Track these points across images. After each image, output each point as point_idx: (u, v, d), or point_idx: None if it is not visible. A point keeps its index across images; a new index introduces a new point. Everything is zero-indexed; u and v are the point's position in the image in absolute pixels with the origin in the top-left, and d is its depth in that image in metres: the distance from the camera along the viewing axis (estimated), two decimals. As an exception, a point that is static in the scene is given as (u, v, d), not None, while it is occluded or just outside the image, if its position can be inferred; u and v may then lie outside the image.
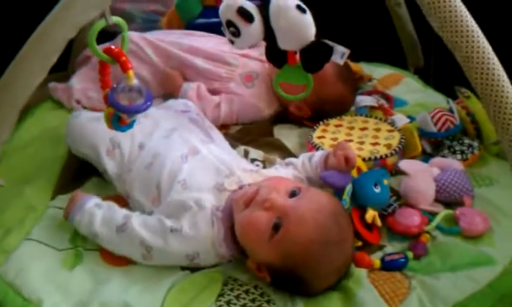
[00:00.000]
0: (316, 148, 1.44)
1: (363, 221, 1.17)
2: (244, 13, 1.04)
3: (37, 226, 1.21)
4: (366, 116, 1.59)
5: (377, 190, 1.20)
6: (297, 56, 1.08)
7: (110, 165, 1.29)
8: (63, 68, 1.79)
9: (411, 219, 1.20)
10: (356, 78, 1.78)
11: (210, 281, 1.08)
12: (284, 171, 1.24)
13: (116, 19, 0.97)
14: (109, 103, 1.01)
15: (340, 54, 1.32)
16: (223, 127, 1.57)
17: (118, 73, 1.00)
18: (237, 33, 1.07)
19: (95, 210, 1.17)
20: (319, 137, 1.50)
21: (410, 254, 1.12)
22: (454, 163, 1.35)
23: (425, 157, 1.43)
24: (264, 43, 1.11)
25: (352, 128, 1.54)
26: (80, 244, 1.17)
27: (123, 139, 1.29)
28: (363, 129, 1.53)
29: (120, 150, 1.29)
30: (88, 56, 1.72)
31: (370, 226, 1.18)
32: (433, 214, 1.22)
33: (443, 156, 1.40)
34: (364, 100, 1.66)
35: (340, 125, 1.56)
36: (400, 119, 1.56)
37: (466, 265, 1.10)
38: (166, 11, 1.92)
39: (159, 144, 1.28)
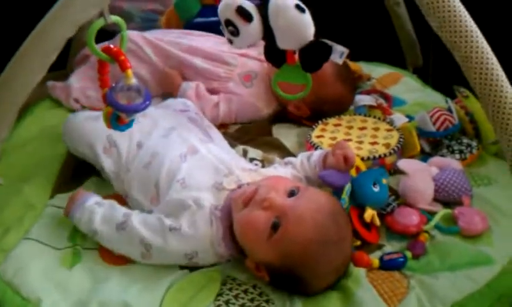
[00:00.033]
0: (315, 147, 1.44)
1: (361, 220, 1.17)
2: (243, 13, 1.04)
3: (36, 225, 1.21)
4: (365, 116, 1.59)
5: (376, 189, 1.20)
6: (296, 56, 1.08)
7: (107, 163, 1.29)
8: (62, 66, 1.79)
9: (409, 218, 1.20)
10: (355, 77, 1.79)
11: (209, 280, 1.08)
12: (283, 171, 1.24)
13: (115, 18, 0.97)
14: (108, 103, 1.01)
15: (339, 53, 1.32)
16: (221, 126, 1.57)
17: (117, 72, 1.00)
18: (236, 32, 1.07)
19: (96, 208, 1.17)
20: (318, 137, 1.50)
21: (409, 254, 1.12)
22: (452, 162, 1.35)
23: (424, 156, 1.43)
24: (262, 43, 1.11)
25: (351, 127, 1.54)
26: (79, 242, 1.17)
27: (120, 138, 1.29)
28: (362, 128, 1.53)
29: (117, 149, 1.29)
30: (86, 55, 1.72)
31: (368, 226, 1.18)
32: (432, 213, 1.23)
33: (442, 155, 1.40)
34: (363, 100, 1.67)
35: (339, 124, 1.56)
36: (399, 118, 1.56)
37: (465, 264, 1.10)
38: (165, 10, 1.92)
39: (158, 144, 1.28)
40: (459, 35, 0.88)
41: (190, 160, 1.21)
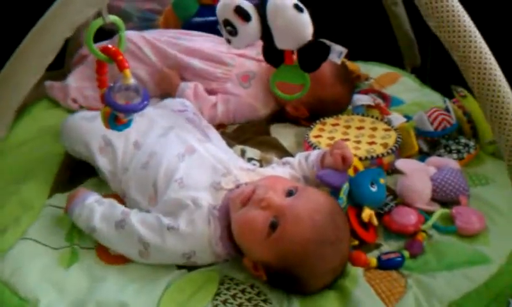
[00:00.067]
0: (313, 147, 1.44)
1: (359, 220, 1.17)
2: (241, 12, 1.04)
3: (33, 225, 1.21)
4: (363, 115, 1.59)
5: (374, 189, 1.20)
6: (295, 56, 1.08)
7: (102, 163, 1.30)
8: (59, 66, 1.79)
9: (407, 217, 1.20)
10: (354, 77, 1.79)
11: (207, 280, 1.08)
12: (281, 170, 1.24)
13: (113, 18, 0.97)
14: (106, 103, 1.01)
15: (337, 53, 1.32)
16: (219, 126, 1.58)
17: (115, 72, 1.00)
18: (234, 32, 1.06)
19: (96, 206, 1.17)
20: (316, 136, 1.50)
21: (406, 253, 1.12)
22: (450, 162, 1.35)
23: (422, 156, 1.43)
24: (260, 43, 1.11)
25: (349, 127, 1.54)
26: (77, 242, 1.17)
27: (116, 137, 1.29)
28: (359, 128, 1.53)
29: (112, 148, 1.29)
30: (83, 55, 1.72)
31: (366, 225, 1.18)
32: (429, 213, 1.23)
33: (440, 155, 1.41)
34: (361, 99, 1.67)
35: (337, 124, 1.56)
36: (397, 118, 1.56)
37: (462, 263, 1.10)
38: (163, 9, 1.92)
39: (156, 143, 1.28)
40: (457, 35, 0.88)
41: (188, 160, 1.21)
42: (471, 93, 0.99)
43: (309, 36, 1.03)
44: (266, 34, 1.05)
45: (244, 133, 1.56)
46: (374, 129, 1.51)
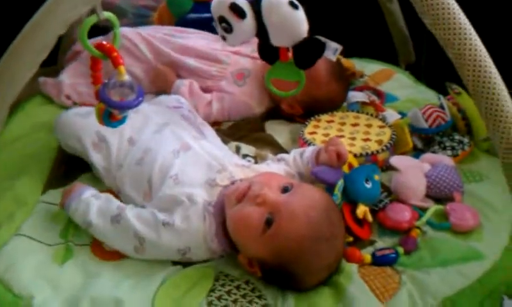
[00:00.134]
0: (307, 143, 1.44)
1: (354, 216, 1.18)
2: (236, 9, 1.04)
3: (27, 221, 1.20)
4: (357, 112, 1.59)
5: (368, 185, 1.20)
6: (290, 53, 1.08)
7: (96, 158, 1.30)
8: (53, 62, 1.78)
9: (401, 214, 1.20)
10: (349, 75, 1.79)
11: (202, 276, 1.08)
12: (276, 167, 1.24)
13: (107, 15, 0.97)
14: (101, 99, 1.00)
15: (332, 50, 1.32)
16: (214, 123, 1.57)
17: (110, 68, 1.00)
18: (229, 29, 1.06)
19: (92, 200, 1.17)
20: (311, 133, 1.50)
21: (401, 250, 1.13)
22: (444, 159, 1.36)
23: (416, 152, 1.43)
24: (256, 40, 1.11)
25: (343, 124, 1.54)
26: (71, 238, 1.17)
27: (110, 133, 1.29)
28: (354, 125, 1.53)
29: (107, 144, 1.29)
30: (77, 51, 1.71)
31: (361, 222, 1.19)
32: (424, 210, 1.23)
33: (434, 152, 1.41)
34: (356, 96, 1.67)
35: (332, 121, 1.56)
36: (392, 115, 1.57)
37: (456, 260, 1.11)
38: (157, 6, 1.91)
39: (150, 139, 1.28)
40: (452, 32, 0.88)
41: (183, 157, 1.21)
42: (465, 89, 0.99)
43: (304, 33, 1.03)
44: (261, 31, 1.05)
45: (239, 130, 1.56)
46: (369, 126, 1.51)
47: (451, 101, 1.51)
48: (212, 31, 1.56)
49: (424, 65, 2.07)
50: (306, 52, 1.05)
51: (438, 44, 0.92)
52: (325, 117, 1.58)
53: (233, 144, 1.42)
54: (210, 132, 1.40)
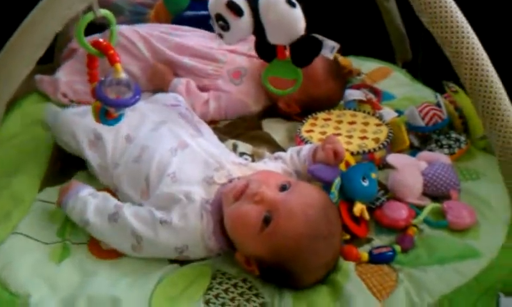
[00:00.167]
0: (305, 141, 1.44)
1: (351, 214, 1.18)
2: (233, 7, 1.04)
3: (24, 219, 1.20)
4: (354, 110, 1.59)
5: (365, 183, 1.20)
6: (287, 51, 1.08)
7: (92, 157, 1.30)
8: (49, 59, 1.78)
9: (398, 212, 1.21)
10: (346, 73, 1.79)
11: (199, 274, 1.08)
12: (273, 165, 1.24)
13: (104, 12, 0.97)
14: (97, 97, 1.00)
15: (329, 48, 1.32)
16: (211, 122, 1.57)
17: (106, 66, 0.99)
18: (226, 27, 1.06)
19: (89, 199, 1.16)
20: (308, 131, 1.51)
21: (398, 248, 1.13)
22: (441, 157, 1.36)
23: (413, 150, 1.44)
24: (252, 38, 1.11)
25: (340, 122, 1.54)
26: (68, 237, 1.17)
27: (106, 131, 1.29)
28: (351, 123, 1.53)
29: (103, 142, 1.29)
30: (73, 49, 1.71)
31: (358, 220, 1.19)
32: (420, 208, 1.23)
33: (431, 150, 1.41)
34: (353, 94, 1.67)
35: (329, 119, 1.56)
36: (388, 113, 1.57)
37: (453, 258, 1.11)
38: (154, 3, 1.91)
39: (148, 137, 1.28)
40: (450, 31, 0.88)
41: (180, 155, 1.21)
42: (462, 88, 0.99)
43: (301, 31, 1.03)
44: (258, 29, 1.05)
45: (236, 128, 1.56)
46: (366, 124, 1.51)
47: (448, 99, 1.51)
48: (209, 28, 1.55)
49: (421, 63, 2.07)
50: (304, 50, 1.05)
51: (434, 42, 0.92)
52: (322, 115, 1.58)
53: (230, 142, 1.42)
54: (207, 129, 1.40)
